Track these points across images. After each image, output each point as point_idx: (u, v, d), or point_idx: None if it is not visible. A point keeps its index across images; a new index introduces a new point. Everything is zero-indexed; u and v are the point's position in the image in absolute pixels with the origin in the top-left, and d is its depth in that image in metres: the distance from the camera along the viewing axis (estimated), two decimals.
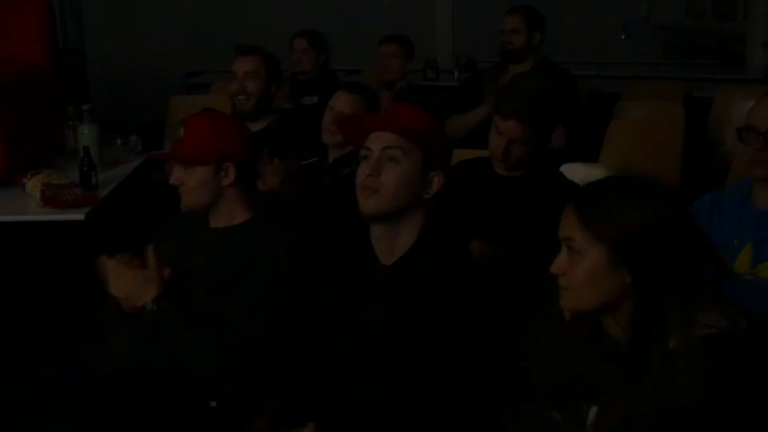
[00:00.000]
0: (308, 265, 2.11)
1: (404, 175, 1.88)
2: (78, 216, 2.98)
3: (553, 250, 2.25)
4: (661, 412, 1.42)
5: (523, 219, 2.37)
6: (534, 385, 1.70)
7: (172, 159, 2.29)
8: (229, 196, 2.23)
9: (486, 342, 1.86)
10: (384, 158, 1.88)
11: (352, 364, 1.94)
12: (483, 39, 6.35)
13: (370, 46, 5.18)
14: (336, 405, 1.94)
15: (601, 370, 1.56)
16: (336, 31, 5.07)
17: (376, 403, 1.88)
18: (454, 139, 3.65)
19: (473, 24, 7.12)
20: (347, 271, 1.99)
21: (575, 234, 1.52)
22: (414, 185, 1.89)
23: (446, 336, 1.83)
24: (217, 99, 4.60)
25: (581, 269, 1.51)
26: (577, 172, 2.81)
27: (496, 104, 2.49)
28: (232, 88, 3.31)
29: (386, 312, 1.90)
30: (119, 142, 3.90)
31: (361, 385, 1.91)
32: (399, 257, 1.93)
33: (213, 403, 2.10)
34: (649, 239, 1.46)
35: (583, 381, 1.59)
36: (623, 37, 7.40)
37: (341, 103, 2.93)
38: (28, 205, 3.10)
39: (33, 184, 3.12)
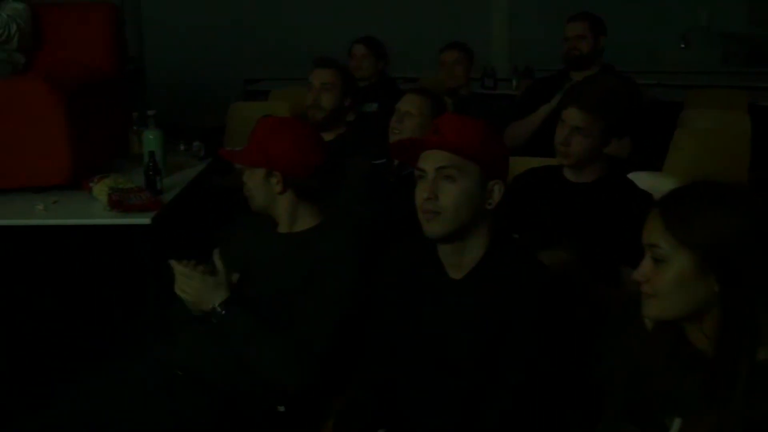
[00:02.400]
0: (376, 274, 2.09)
1: (463, 193, 1.82)
2: (144, 220, 3.01)
3: (627, 257, 2.22)
4: (750, 426, 1.38)
5: (595, 226, 2.35)
6: (613, 397, 1.67)
7: (232, 157, 2.36)
8: (284, 202, 2.23)
9: (561, 353, 1.82)
10: (440, 178, 1.82)
11: (422, 375, 1.91)
12: (538, 48, 6.33)
13: (426, 55, 5.18)
14: (405, 415, 1.92)
15: (685, 381, 1.52)
16: (393, 39, 5.07)
17: (448, 414, 1.86)
18: (516, 147, 3.65)
19: (529, 33, 7.08)
20: (415, 284, 1.95)
21: (660, 240, 1.48)
22: (474, 200, 1.84)
23: (520, 348, 1.80)
24: (276, 105, 4.65)
25: (666, 276, 1.48)
26: (643, 181, 2.76)
27: (562, 99, 2.49)
28: (307, 99, 3.33)
29: (457, 325, 1.86)
30: (183, 147, 3.94)
31: (432, 397, 1.88)
32: (468, 272, 1.88)
33: (281, 408, 2.10)
34: (739, 246, 1.42)
35: (665, 393, 1.55)
36: (682, 45, 7.28)
37: (408, 103, 2.95)
38: (95, 208, 3.14)
39: (100, 188, 3.18)
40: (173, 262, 2.15)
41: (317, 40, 6.20)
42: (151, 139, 3.42)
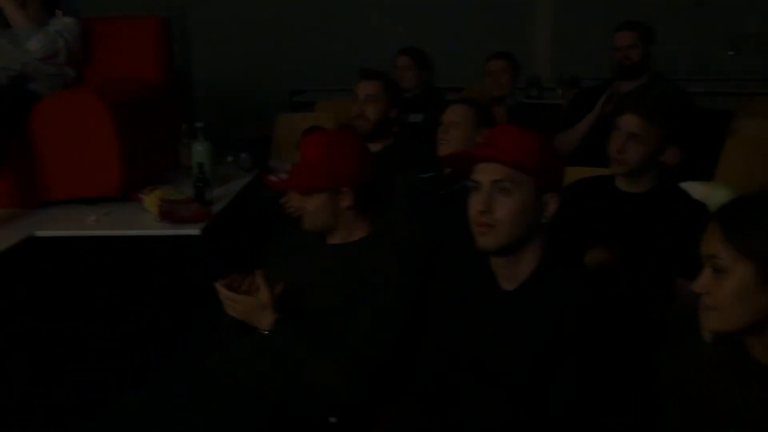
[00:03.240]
0: (429, 284, 2.08)
1: (518, 206, 1.80)
2: (194, 231, 3.04)
3: (682, 268, 2.18)
4: None
5: (648, 237, 2.32)
6: (671, 413, 1.64)
7: (290, 188, 2.28)
8: (348, 216, 2.22)
9: (616, 367, 1.79)
10: (495, 191, 1.80)
11: (473, 385, 1.89)
12: (582, 57, 6.29)
13: (471, 64, 5.17)
14: (457, 426, 1.90)
15: (747, 396, 1.49)
16: (437, 49, 5.07)
17: (499, 426, 1.84)
18: (563, 156, 3.62)
19: (573, 42, 7.03)
20: (468, 294, 1.94)
21: (720, 251, 1.46)
22: (529, 213, 1.81)
23: (572, 361, 1.77)
24: (322, 117, 4.67)
25: (727, 288, 1.45)
26: (696, 191, 2.72)
27: (618, 106, 2.47)
28: (353, 110, 3.35)
29: (509, 337, 1.84)
30: (230, 159, 3.98)
31: (483, 408, 1.87)
32: (520, 283, 1.86)
33: (333, 419, 2.09)
34: None
35: (725, 406, 1.53)
36: (731, 52, 7.16)
37: (453, 114, 2.94)
38: (145, 219, 3.19)
39: (151, 200, 3.22)
40: (218, 286, 2.15)
41: (362, 52, 6.22)
42: (199, 151, 3.45)
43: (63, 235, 3.13)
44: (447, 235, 2.43)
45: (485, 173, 1.81)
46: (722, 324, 1.49)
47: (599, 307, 1.80)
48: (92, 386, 2.92)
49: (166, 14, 4.69)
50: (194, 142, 3.52)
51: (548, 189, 1.84)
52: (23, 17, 3.54)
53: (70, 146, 3.40)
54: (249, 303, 2.11)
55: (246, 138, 4.78)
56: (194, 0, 7.18)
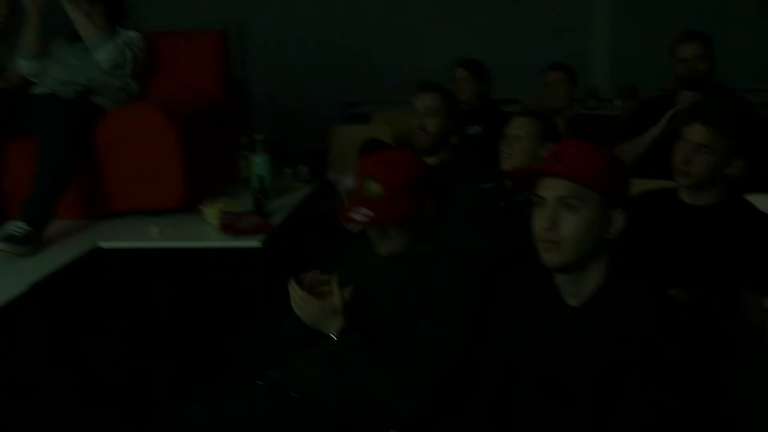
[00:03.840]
0: (492, 298, 2.07)
1: (584, 223, 1.77)
2: (255, 243, 3.07)
3: (750, 283, 2.14)
4: None
5: (716, 251, 2.27)
6: (741, 429, 1.61)
7: (383, 223, 2.16)
8: (425, 228, 2.20)
9: (685, 386, 1.75)
10: (560, 207, 1.78)
11: (537, 402, 1.88)
12: (641, 67, 6.21)
13: (527, 76, 5.14)
14: None
15: None
16: (493, 60, 5.05)
17: None
18: None
19: (631, 53, 6.96)
20: (532, 308, 1.93)
21: None
22: (595, 229, 1.79)
23: (641, 378, 1.73)
24: (378, 129, 4.70)
25: None
26: (761, 204, 2.66)
27: (685, 115, 2.43)
28: (412, 123, 3.35)
29: (577, 352, 1.82)
30: (288, 171, 4.01)
31: (550, 422, 1.85)
32: (587, 299, 1.84)
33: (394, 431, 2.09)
34: None
35: None
36: None
37: (516, 127, 2.92)
38: (207, 231, 3.23)
39: (211, 212, 3.26)
40: (292, 285, 2.16)
41: (416, 64, 6.23)
42: (259, 164, 3.49)
43: (128, 246, 3.19)
44: (509, 246, 2.42)
45: (551, 189, 1.79)
46: None
47: (668, 324, 1.77)
48: (154, 397, 2.97)
49: (224, 28, 4.75)
50: (253, 154, 3.56)
51: (615, 204, 1.81)
52: (94, 27, 3.60)
53: (134, 159, 3.47)
54: (321, 306, 2.12)
55: (303, 150, 4.83)
56: (251, 14, 7.25)
